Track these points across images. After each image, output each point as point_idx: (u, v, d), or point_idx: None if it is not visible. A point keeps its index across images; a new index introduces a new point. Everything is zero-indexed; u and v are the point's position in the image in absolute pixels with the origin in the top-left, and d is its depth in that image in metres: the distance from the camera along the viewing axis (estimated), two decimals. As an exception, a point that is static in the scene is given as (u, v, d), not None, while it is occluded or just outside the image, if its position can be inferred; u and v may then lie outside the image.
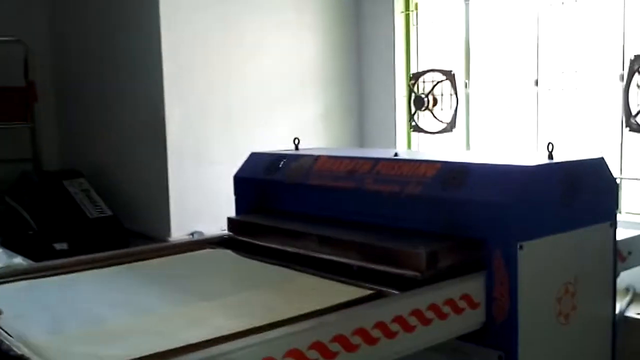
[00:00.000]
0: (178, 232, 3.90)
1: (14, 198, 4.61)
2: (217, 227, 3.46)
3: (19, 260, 2.61)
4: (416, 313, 1.93)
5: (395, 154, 2.62)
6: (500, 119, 3.99)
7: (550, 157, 2.24)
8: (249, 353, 1.58)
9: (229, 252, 2.70)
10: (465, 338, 2.13)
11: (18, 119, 5.14)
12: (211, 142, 4.06)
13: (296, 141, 3.17)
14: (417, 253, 2.11)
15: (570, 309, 2.24)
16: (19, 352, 1.59)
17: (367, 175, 2.53)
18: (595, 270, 2.36)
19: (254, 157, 3.15)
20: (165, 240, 3.83)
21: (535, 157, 2.29)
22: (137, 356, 1.58)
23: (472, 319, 2.09)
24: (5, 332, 1.76)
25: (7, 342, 1.67)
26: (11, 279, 2.33)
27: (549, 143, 2.26)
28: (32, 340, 1.70)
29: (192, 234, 3.91)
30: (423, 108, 4.25)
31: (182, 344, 1.65)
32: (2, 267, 2.49)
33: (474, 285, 2.10)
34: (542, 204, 2.14)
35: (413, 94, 4.30)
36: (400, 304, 1.91)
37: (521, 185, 2.10)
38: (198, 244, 2.88)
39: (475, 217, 2.14)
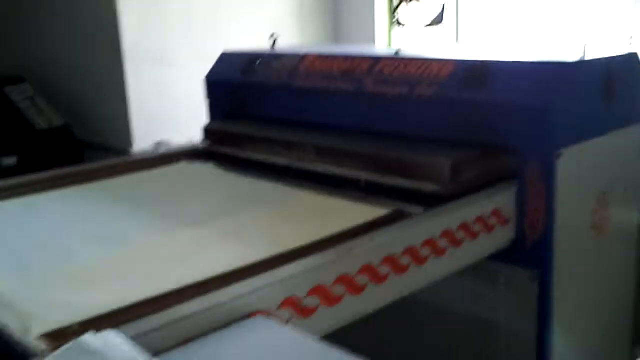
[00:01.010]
0: (141, 142, 3.51)
1: (-52, 108, 4.10)
2: (185, 137, 3.09)
3: (-39, 182, 2.22)
4: (447, 234, 1.66)
5: (397, 51, 2.28)
6: (494, 12, 3.64)
7: (583, 53, 1.93)
8: (266, 294, 1.29)
9: (209, 165, 2.36)
10: (492, 257, 1.88)
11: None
12: (171, 40, 3.60)
13: (273, 37, 2.79)
14: (440, 163, 1.82)
15: (604, 220, 2.01)
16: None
17: (366, 76, 2.20)
18: (627, 176, 2.12)
19: (227, 57, 2.77)
20: (127, 152, 3.44)
21: (566, 54, 1.98)
22: (124, 305, 1.27)
23: (501, 237, 1.85)
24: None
25: (-42, 290, 1.34)
26: (-44, 204, 1.97)
27: (581, 36, 1.95)
28: (-8, 285, 1.37)
29: (157, 144, 3.52)
30: (408, 0, 3.87)
31: (175, 286, 1.34)
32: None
33: (504, 200, 1.84)
34: (582, 105, 1.86)
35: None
36: (430, 225, 1.64)
37: (561, 84, 1.80)
38: (172, 157, 2.51)
39: (504, 122, 1.85)
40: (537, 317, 1.89)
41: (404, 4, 3.93)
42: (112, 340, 1.06)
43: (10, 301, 1.29)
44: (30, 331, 1.16)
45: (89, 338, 1.05)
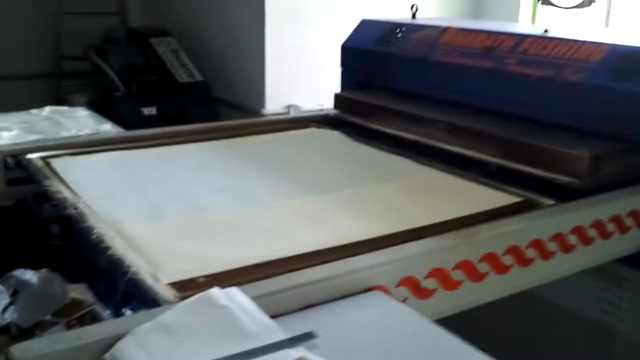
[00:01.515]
0: (272, 104, 3.59)
1: (99, 55, 4.37)
2: (315, 102, 3.13)
3: (107, 127, 2.37)
4: (577, 230, 1.58)
5: (546, 31, 2.17)
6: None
7: None
8: (386, 271, 1.29)
9: (338, 133, 2.37)
10: (621, 260, 1.78)
11: (103, -32, 4.82)
12: (313, 3, 3.62)
13: (414, 8, 2.74)
14: (578, 155, 1.74)
15: None
16: (112, 247, 1.35)
17: (509, 55, 2.11)
18: None
19: (366, 25, 2.74)
20: (259, 113, 3.53)
21: None
22: (248, 263, 1.31)
23: (636, 240, 1.74)
24: (97, 216, 1.52)
25: (98, 231, 1.43)
26: (100, 148, 2.09)
27: None
28: (129, 230, 1.45)
29: (288, 106, 3.59)
30: (558, -23, 3.68)
31: (302, 250, 1.37)
32: (90, 135, 2.25)
33: (644, 200, 1.73)
34: None
35: (546, -39, 3.70)
36: (561, 218, 1.57)
37: None
38: (301, 121, 2.56)
39: (655, 116, 1.73)
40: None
41: (554, -19, 3.74)
42: (237, 297, 1.09)
43: (143, 248, 1.37)
44: (160, 279, 1.23)
45: (216, 292, 1.09)
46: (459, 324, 1.34)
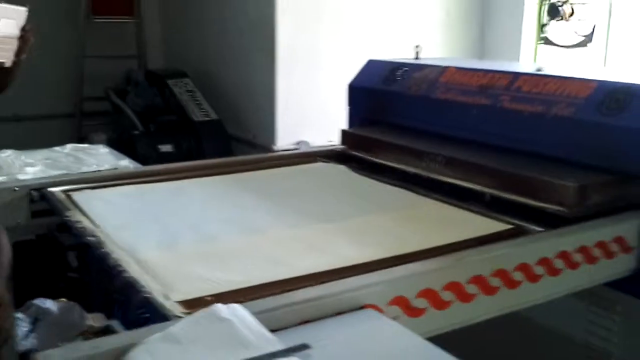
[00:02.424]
0: (283, 140, 3.73)
1: (119, 96, 4.56)
2: (324, 138, 3.26)
3: (126, 163, 2.51)
4: (563, 255, 1.68)
5: (539, 69, 2.30)
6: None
7: None
8: (377, 291, 1.39)
9: (343, 167, 2.50)
10: (609, 284, 1.87)
11: (124, 14, 5.04)
12: (322, 46, 3.79)
13: (418, 49, 2.88)
14: (566, 185, 1.84)
15: None
16: (127, 270, 1.47)
17: (504, 92, 2.23)
18: None
19: (372, 65, 2.88)
20: (270, 149, 3.68)
21: None
22: (251, 284, 1.42)
23: (622, 265, 1.83)
24: (115, 243, 1.65)
25: (115, 256, 1.56)
26: (118, 182, 2.23)
27: None
28: (143, 255, 1.58)
29: (297, 143, 3.73)
30: (557, 18, 3.82)
31: (301, 273, 1.48)
32: (109, 170, 2.38)
33: (628, 227, 1.83)
34: None
35: (547, 2, 3.85)
36: (547, 244, 1.67)
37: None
38: (308, 156, 2.69)
39: (638, 148, 1.83)
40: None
41: (553, 21, 3.88)
42: (238, 312, 1.21)
43: (156, 271, 1.49)
44: (170, 297, 1.34)
45: (220, 307, 1.20)
46: (452, 344, 1.44)
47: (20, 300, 2.60)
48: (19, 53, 1.46)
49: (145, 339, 1.13)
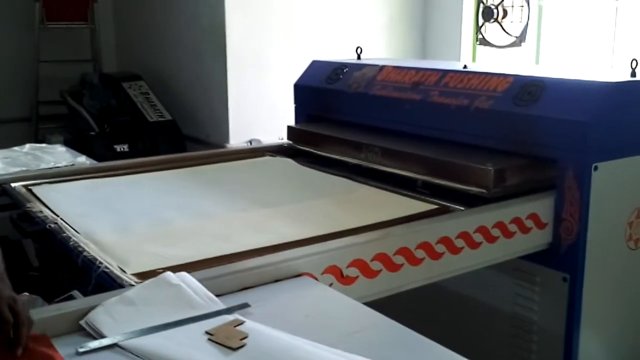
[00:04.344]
0: (235, 139, 3.90)
1: (75, 99, 4.66)
2: (275, 136, 3.43)
3: (82, 160, 2.64)
4: (482, 230, 1.88)
5: (464, 66, 2.51)
6: (575, 34, 3.77)
7: (633, 74, 2.11)
8: (312, 260, 1.57)
9: (289, 160, 2.67)
10: (529, 258, 2.09)
11: (78, 19, 5.13)
12: (271, 49, 3.97)
13: (359, 50, 3.07)
14: (485, 169, 2.04)
15: (640, 233, 2.17)
16: (87, 250, 1.61)
17: (433, 88, 2.44)
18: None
19: (315, 65, 3.06)
20: (223, 147, 3.84)
21: (616, 74, 2.16)
22: (201, 258, 1.59)
23: (538, 239, 2.04)
24: (73, 229, 1.79)
25: (74, 239, 1.70)
26: (76, 177, 2.36)
27: (633, 59, 2.12)
28: (100, 237, 1.73)
29: (249, 141, 3.90)
30: (492, 20, 4.06)
31: (245, 249, 1.65)
32: (66, 166, 2.52)
33: (542, 205, 2.03)
34: (621, 124, 2.03)
35: (482, 5, 4.09)
36: (466, 220, 1.87)
37: (600, 102, 1.98)
38: (257, 151, 2.86)
39: (548, 135, 2.05)
40: (567, 317, 2.07)
41: (487, 23, 4.13)
42: (186, 278, 1.37)
43: (112, 250, 1.64)
44: (126, 271, 1.50)
45: (170, 275, 1.37)
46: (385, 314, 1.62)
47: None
48: None
49: (103, 301, 1.29)
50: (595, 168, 1.97)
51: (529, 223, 2.00)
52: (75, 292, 1.44)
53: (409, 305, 1.92)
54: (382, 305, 1.56)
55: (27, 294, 2.63)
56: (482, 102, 2.24)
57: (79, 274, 1.66)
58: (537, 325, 2.17)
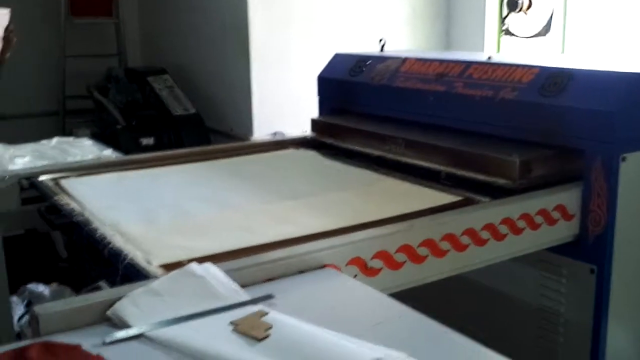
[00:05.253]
0: (259, 132, 3.91)
1: (101, 93, 4.71)
2: (299, 128, 3.43)
3: (109, 153, 2.67)
4: (507, 221, 1.87)
5: (489, 57, 2.49)
6: (601, 23, 3.72)
7: (661, 64, 2.07)
8: (336, 252, 1.57)
9: (312, 152, 2.68)
10: (556, 250, 2.07)
11: (103, 14, 5.18)
12: (293, 43, 3.97)
13: (382, 42, 3.06)
14: (510, 161, 2.03)
15: (668, 225, 2.13)
16: (113, 242, 1.63)
17: (457, 79, 2.42)
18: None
19: (338, 58, 3.06)
20: (247, 140, 3.85)
21: (643, 64, 2.12)
22: (223, 250, 1.60)
23: (565, 231, 2.02)
24: (100, 221, 1.81)
25: (101, 231, 1.72)
26: (102, 170, 2.39)
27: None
28: (126, 229, 1.74)
29: (273, 134, 3.91)
30: (517, 10, 4.01)
31: (269, 240, 1.66)
32: (93, 159, 2.55)
33: (569, 196, 2.01)
34: (651, 114, 2.00)
35: (506, -5, 4.05)
36: (491, 212, 1.86)
37: (628, 93, 1.96)
38: (281, 143, 2.87)
39: (575, 125, 2.02)
40: (594, 309, 2.05)
41: (512, 13, 4.08)
42: (211, 270, 1.38)
43: (138, 242, 1.66)
44: (151, 262, 1.52)
45: (195, 266, 1.38)
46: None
47: (15, 285, 2.77)
48: (2, 53, 1.59)
49: (129, 292, 1.30)
50: (624, 159, 1.95)
51: (555, 214, 1.98)
52: (103, 283, 1.46)
53: (434, 297, 1.91)
54: (406, 297, 1.57)
55: (56, 284, 2.67)
56: (507, 92, 2.22)
57: (106, 265, 1.68)
58: (564, 317, 2.15)
